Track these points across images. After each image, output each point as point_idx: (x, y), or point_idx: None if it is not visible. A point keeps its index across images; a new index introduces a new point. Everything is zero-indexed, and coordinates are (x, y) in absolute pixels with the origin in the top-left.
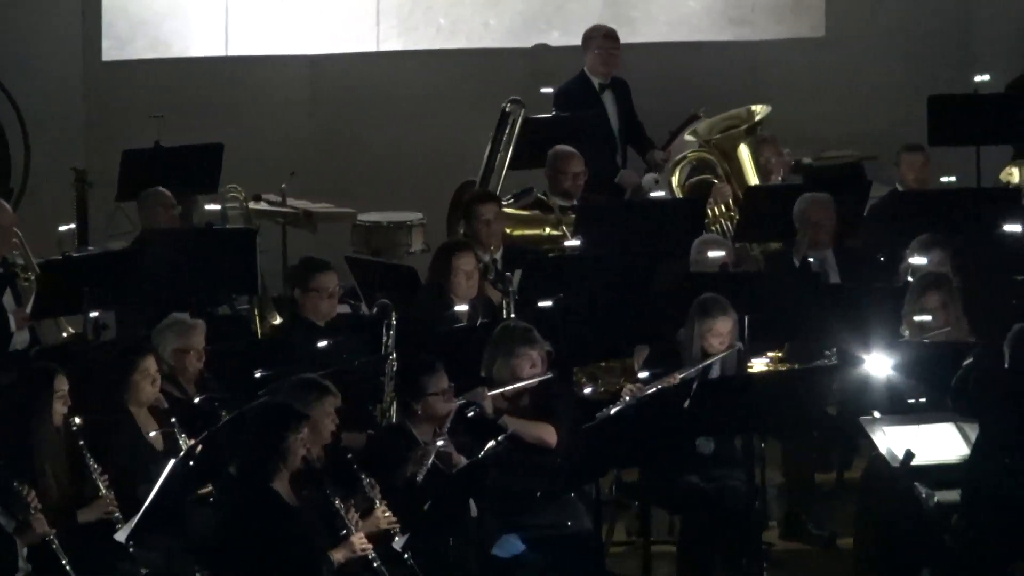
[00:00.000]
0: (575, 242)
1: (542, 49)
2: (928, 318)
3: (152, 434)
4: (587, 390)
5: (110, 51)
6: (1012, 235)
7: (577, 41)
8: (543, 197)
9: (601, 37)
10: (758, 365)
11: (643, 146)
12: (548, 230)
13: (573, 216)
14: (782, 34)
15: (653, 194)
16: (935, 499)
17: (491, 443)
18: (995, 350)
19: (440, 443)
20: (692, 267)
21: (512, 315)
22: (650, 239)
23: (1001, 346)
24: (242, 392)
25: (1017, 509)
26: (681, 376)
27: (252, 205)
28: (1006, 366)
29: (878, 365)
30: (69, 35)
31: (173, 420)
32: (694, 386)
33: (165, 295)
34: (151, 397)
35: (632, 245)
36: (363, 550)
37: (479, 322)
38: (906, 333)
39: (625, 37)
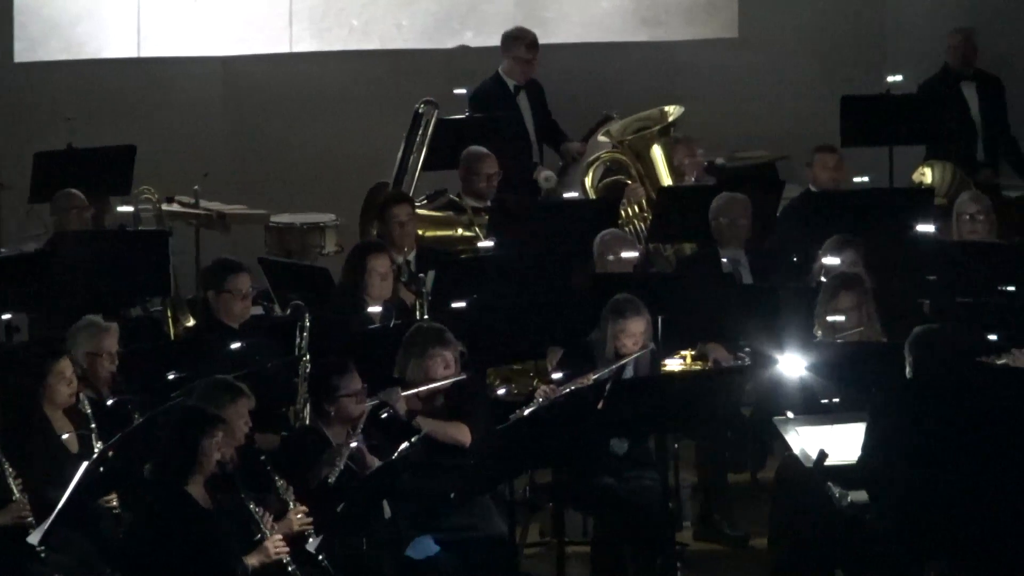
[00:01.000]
0: (488, 243)
1: (455, 50)
2: (841, 318)
3: (66, 436)
4: (501, 391)
5: (22, 53)
6: (925, 235)
7: (490, 42)
8: (456, 198)
9: (524, 47)
10: (672, 365)
11: (558, 142)
12: (461, 231)
13: (486, 217)
14: (695, 35)
15: (568, 195)
16: (848, 499)
17: (405, 444)
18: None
19: (353, 444)
20: (597, 266)
21: (425, 316)
22: (563, 240)
23: None
24: (155, 394)
25: (928, 510)
26: (594, 377)
27: (165, 207)
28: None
29: (791, 365)
30: None
31: (93, 425)
32: (607, 387)
33: (78, 297)
34: (66, 399)
35: (545, 246)
36: (278, 554)
37: (392, 323)
38: (819, 333)
39: (538, 38)
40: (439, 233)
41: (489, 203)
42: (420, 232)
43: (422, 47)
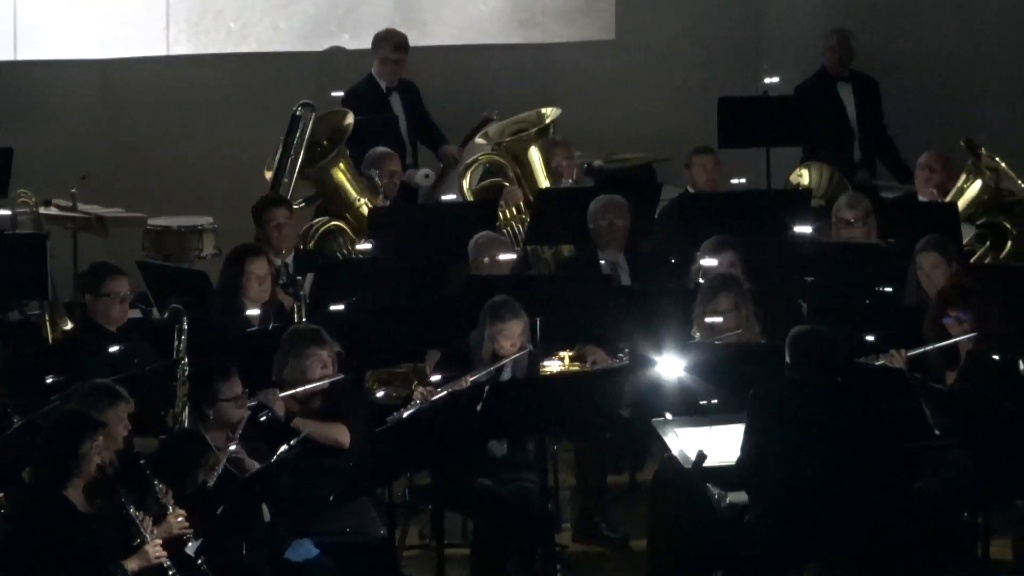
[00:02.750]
0: (367, 245)
1: (333, 52)
2: (719, 320)
3: None
4: (379, 394)
5: None
6: (802, 237)
7: (367, 44)
8: None
9: (391, 48)
10: (550, 367)
11: (435, 143)
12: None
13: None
14: (573, 37)
15: (446, 197)
16: (727, 500)
17: (283, 447)
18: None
19: (232, 448)
20: (475, 268)
21: (304, 319)
22: (442, 242)
23: None
24: (34, 398)
25: (805, 510)
26: (472, 379)
27: (42, 210)
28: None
29: (670, 367)
30: None
31: None
32: (486, 389)
33: None
34: None
35: (424, 248)
36: (157, 558)
37: (271, 326)
38: (697, 335)
39: (416, 40)
40: None
41: (388, 201)
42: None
43: (299, 49)
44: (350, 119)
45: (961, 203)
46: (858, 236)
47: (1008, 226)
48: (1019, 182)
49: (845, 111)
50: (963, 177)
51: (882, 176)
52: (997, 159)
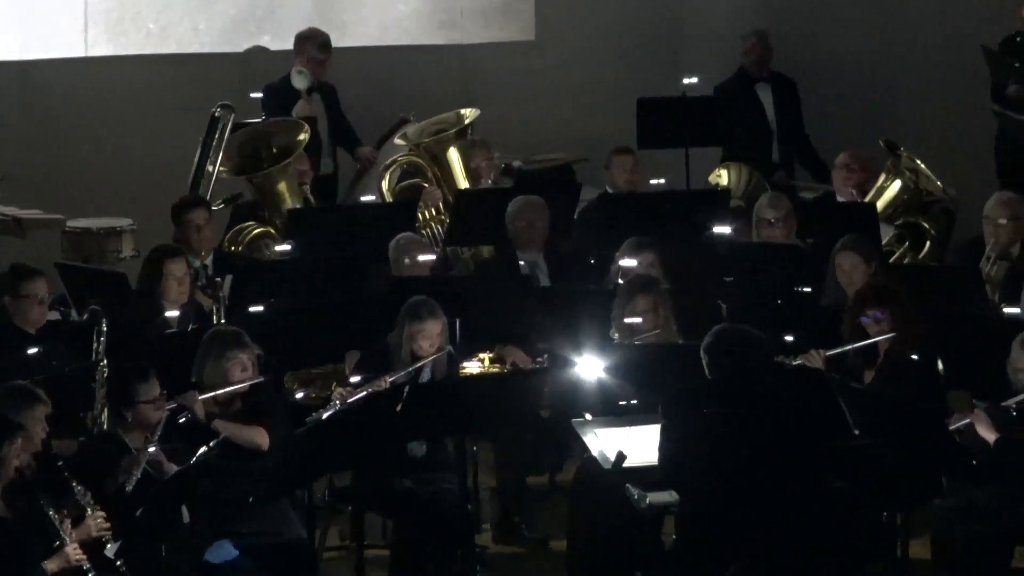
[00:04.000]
0: (286, 246)
1: (250, 53)
2: (638, 320)
3: None
4: (299, 395)
5: None
6: (721, 237)
7: (287, 45)
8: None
9: (316, 47)
10: (470, 368)
11: (351, 145)
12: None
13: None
14: (492, 38)
15: (365, 198)
16: (647, 500)
17: (203, 448)
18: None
19: (151, 450)
20: (394, 269)
21: (223, 320)
22: (360, 243)
23: None
24: None
25: (725, 510)
26: (392, 380)
27: None
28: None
29: (589, 367)
30: None
31: None
32: (405, 390)
33: None
34: None
35: (343, 249)
36: (77, 560)
37: (190, 328)
38: (616, 335)
39: (336, 41)
40: None
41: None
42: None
43: (219, 51)
44: (304, 135)
45: (880, 203)
46: (779, 236)
47: (927, 226)
48: (937, 182)
49: (764, 111)
50: (883, 177)
51: (800, 176)
52: (917, 160)
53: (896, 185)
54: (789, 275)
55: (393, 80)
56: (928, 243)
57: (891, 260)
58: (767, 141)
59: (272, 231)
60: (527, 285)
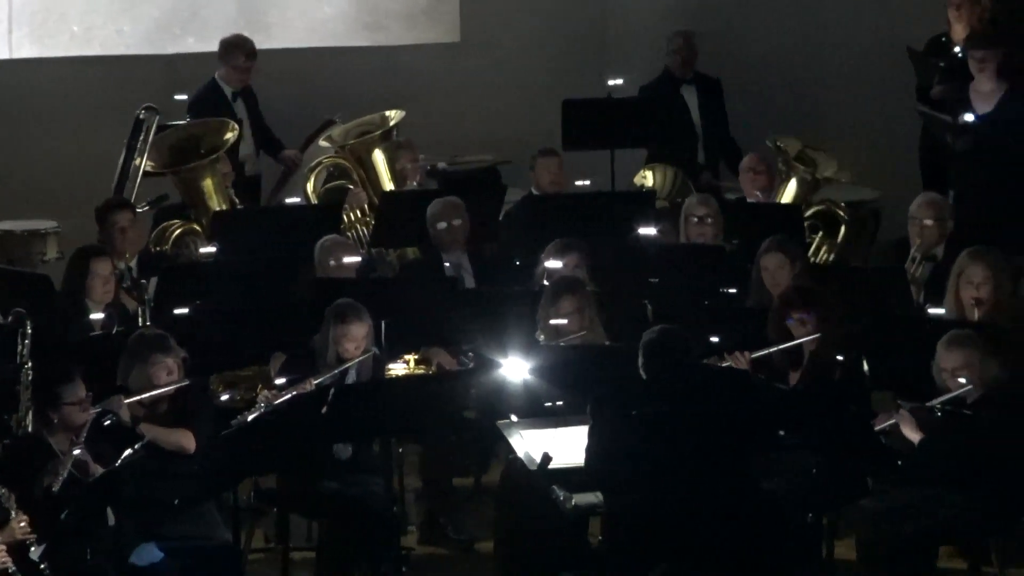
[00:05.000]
0: (211, 248)
1: (177, 56)
2: (563, 322)
3: None
4: (224, 397)
5: None
6: (647, 238)
7: (211, 47)
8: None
9: (244, 55)
10: (395, 370)
11: (274, 148)
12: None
13: None
14: (417, 39)
15: (290, 200)
16: (573, 502)
17: (128, 451)
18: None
19: (77, 452)
20: (319, 271)
21: (148, 323)
22: (285, 245)
23: (636, 350)
24: None
25: (652, 512)
26: (317, 382)
27: None
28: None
29: (515, 369)
30: None
31: None
32: (330, 392)
33: None
34: None
35: (268, 251)
36: (1, 563)
37: (115, 330)
38: (542, 337)
39: (259, 43)
40: None
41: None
42: None
43: (143, 53)
44: (231, 134)
45: (785, 201)
46: (708, 235)
47: (839, 212)
48: (832, 163)
49: (689, 113)
50: (779, 178)
51: (725, 177)
52: (808, 149)
53: (792, 183)
54: (714, 276)
55: (318, 82)
56: (843, 227)
57: (809, 251)
58: (692, 142)
59: (197, 228)
60: (452, 287)
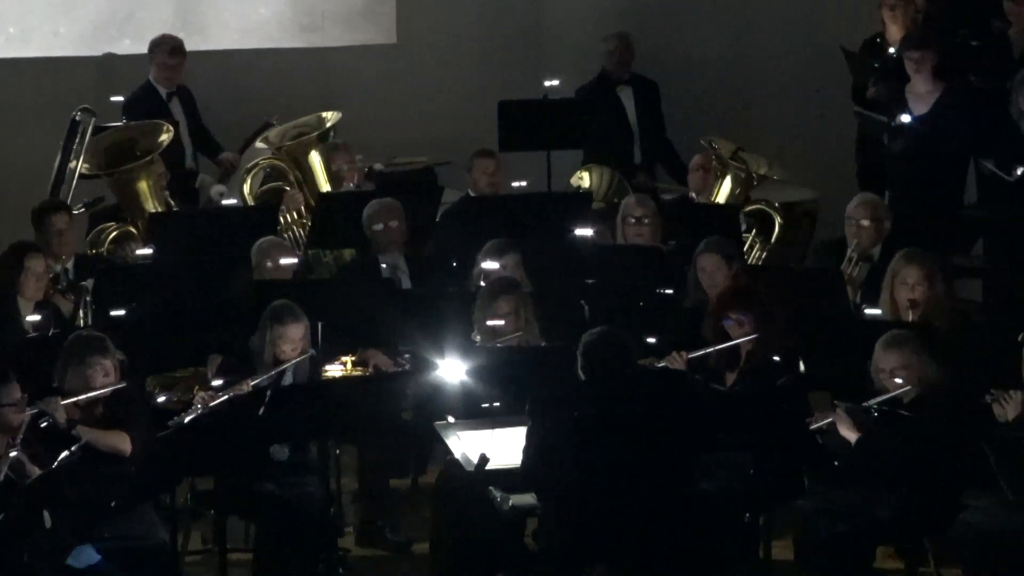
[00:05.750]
0: (147, 250)
1: (109, 57)
2: (500, 323)
3: None
4: (161, 399)
5: None
6: (583, 239)
7: (147, 49)
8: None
9: (167, 52)
10: (332, 371)
11: (212, 151)
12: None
13: None
14: (354, 41)
15: (226, 202)
16: (510, 503)
17: (65, 453)
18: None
19: (13, 454)
20: (256, 273)
21: (87, 324)
22: (222, 247)
23: (573, 351)
24: None
25: (589, 512)
26: (254, 383)
27: None
28: (580, 373)
29: (452, 370)
30: None
31: None
32: (267, 393)
33: None
34: None
35: (205, 253)
36: None
37: (51, 332)
38: (479, 338)
39: (196, 44)
40: None
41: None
42: None
43: (80, 54)
44: (165, 136)
45: (720, 201)
46: (645, 235)
47: (772, 211)
48: (765, 161)
49: (625, 113)
50: (714, 176)
51: (661, 179)
52: (741, 150)
53: (727, 181)
54: (651, 277)
55: (255, 84)
56: (778, 224)
57: (744, 248)
58: (628, 143)
59: (133, 231)
60: (389, 288)
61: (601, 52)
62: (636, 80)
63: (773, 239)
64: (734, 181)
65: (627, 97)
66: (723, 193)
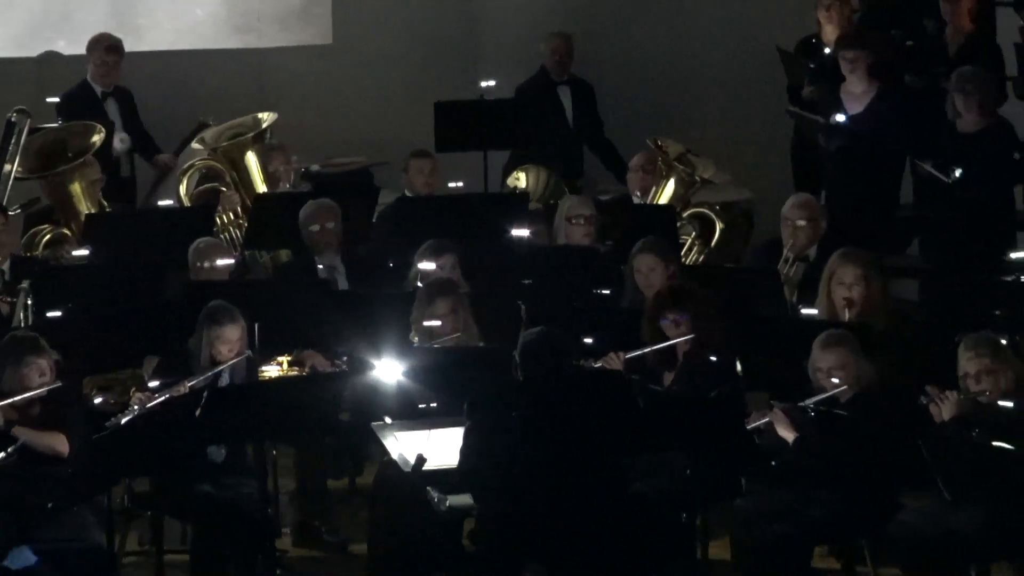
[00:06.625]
0: (83, 251)
1: (45, 57)
2: (437, 323)
3: None
4: (98, 400)
5: None
6: (520, 240)
7: (83, 50)
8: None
9: (103, 50)
10: (269, 372)
11: (148, 152)
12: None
13: None
14: (290, 41)
15: (163, 203)
16: (447, 503)
17: (1, 454)
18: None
19: None
20: (192, 274)
21: (25, 325)
22: (158, 248)
23: (511, 351)
24: None
25: (526, 512)
26: (191, 384)
27: None
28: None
29: (389, 371)
30: None
31: None
32: (204, 394)
33: None
34: None
35: (141, 254)
36: None
37: None
38: (416, 339)
39: (131, 45)
40: None
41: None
42: None
43: (15, 55)
44: (98, 137)
45: (662, 202)
46: (584, 235)
47: (712, 214)
48: (711, 165)
49: (564, 114)
50: (658, 178)
51: (600, 180)
52: (689, 153)
53: (671, 182)
54: (588, 277)
55: (191, 84)
56: (718, 228)
57: (683, 251)
58: (567, 143)
59: (68, 233)
60: (325, 289)
61: (542, 51)
62: (574, 81)
63: (713, 243)
64: (678, 183)
65: (566, 97)
66: (666, 194)
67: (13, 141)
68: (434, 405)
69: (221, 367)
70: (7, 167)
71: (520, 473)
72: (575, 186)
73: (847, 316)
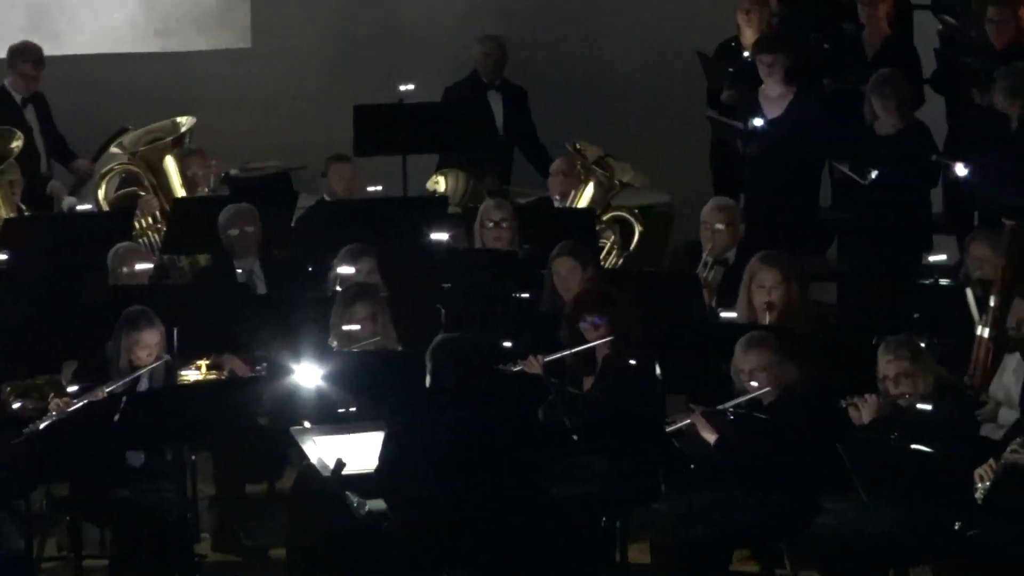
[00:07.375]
0: (1, 256)
1: None
2: (356, 328)
3: None
4: (16, 405)
5: None
6: (439, 243)
7: (0, 55)
8: None
9: (31, 63)
10: (188, 376)
11: (66, 157)
12: None
13: None
14: (208, 45)
15: (81, 207)
16: (366, 507)
17: None
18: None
19: None
20: (111, 278)
21: None
22: (77, 252)
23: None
24: None
25: (444, 518)
26: (109, 390)
27: None
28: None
29: (308, 375)
30: None
31: None
32: (123, 399)
33: None
34: None
35: (59, 259)
36: None
37: None
38: (335, 343)
39: (50, 50)
40: None
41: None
42: None
43: None
44: (17, 143)
45: (582, 206)
46: (503, 239)
47: (632, 218)
48: (628, 169)
49: (494, 118)
50: (577, 181)
51: (517, 182)
52: (608, 156)
53: (590, 186)
54: (507, 281)
55: (110, 89)
56: (637, 231)
57: (602, 255)
58: (496, 148)
59: None
60: (244, 293)
61: (475, 54)
62: (505, 86)
63: (632, 246)
64: (596, 187)
65: (496, 102)
66: (585, 198)
67: None
68: (353, 409)
69: (140, 372)
70: None
71: (435, 478)
72: (496, 190)
73: (767, 319)
